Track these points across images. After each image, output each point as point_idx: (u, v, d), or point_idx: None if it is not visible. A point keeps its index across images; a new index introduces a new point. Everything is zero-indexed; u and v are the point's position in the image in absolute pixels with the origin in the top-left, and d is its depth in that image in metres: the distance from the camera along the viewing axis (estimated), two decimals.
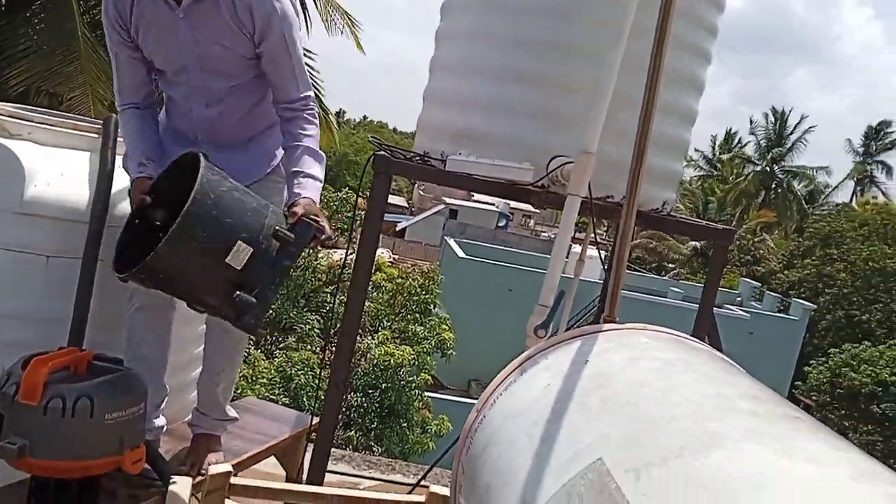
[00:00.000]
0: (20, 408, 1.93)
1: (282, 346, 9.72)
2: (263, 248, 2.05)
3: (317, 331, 9.83)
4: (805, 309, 23.28)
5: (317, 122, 2.42)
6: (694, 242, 29.78)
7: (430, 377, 9.97)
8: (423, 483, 3.10)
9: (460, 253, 22.61)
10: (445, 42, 3.39)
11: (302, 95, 2.38)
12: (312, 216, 2.16)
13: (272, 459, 3.11)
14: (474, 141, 2.98)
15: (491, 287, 20.18)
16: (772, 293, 25.74)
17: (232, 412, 2.76)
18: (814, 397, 21.19)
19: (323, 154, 2.38)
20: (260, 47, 2.30)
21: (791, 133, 40.15)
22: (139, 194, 2.23)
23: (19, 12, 7.52)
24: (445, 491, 2.15)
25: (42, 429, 1.94)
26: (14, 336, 2.25)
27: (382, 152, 3.12)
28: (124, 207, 2.41)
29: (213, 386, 2.67)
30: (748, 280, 27.40)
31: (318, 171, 2.33)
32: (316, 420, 3.19)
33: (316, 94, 9.02)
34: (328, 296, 10.23)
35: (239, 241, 2.01)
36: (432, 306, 10.46)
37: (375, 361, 8.89)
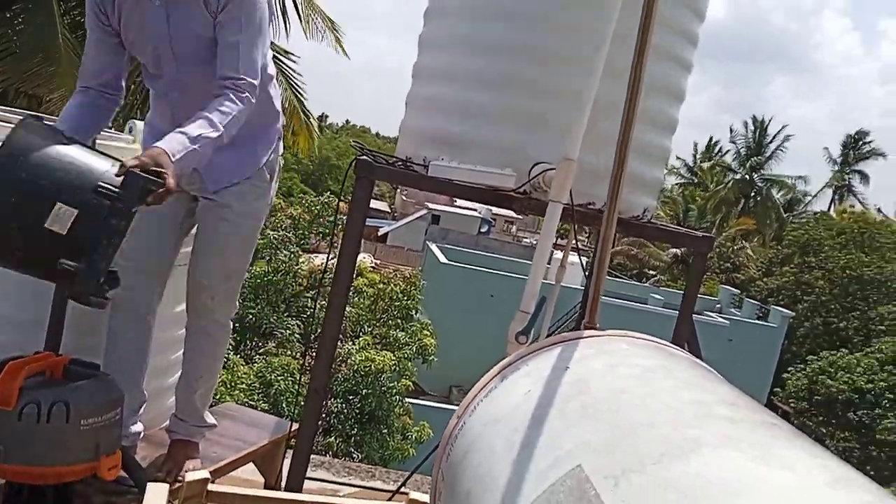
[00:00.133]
0: None
1: (262, 351, 9.67)
2: (93, 209, 1.88)
3: (297, 336, 9.80)
4: (783, 316, 23.52)
5: (242, 106, 2.23)
6: (674, 249, 29.98)
7: (411, 383, 9.96)
8: (403, 490, 3.09)
9: (442, 258, 22.61)
10: (428, 47, 3.39)
11: (240, 76, 2.24)
12: (153, 168, 1.94)
13: (251, 466, 3.08)
14: (457, 146, 2.98)
15: (473, 292, 20.19)
16: (751, 300, 25.98)
17: (210, 419, 2.74)
18: (792, 404, 21.39)
19: (221, 128, 2.15)
20: (217, 18, 2.24)
21: (770, 142, 40.59)
22: None
23: None
24: (425, 498, 2.14)
25: (16, 434, 1.91)
26: None
27: (365, 157, 3.11)
28: None
29: (191, 391, 2.64)
30: (727, 287, 27.63)
31: (195, 130, 2.11)
32: (295, 426, 3.17)
33: (298, 98, 9.02)
34: (309, 300, 10.19)
35: (59, 204, 1.86)
36: (414, 312, 10.46)
37: (356, 367, 8.87)
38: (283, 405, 8.18)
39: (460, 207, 36.33)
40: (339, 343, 7.59)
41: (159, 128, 2.42)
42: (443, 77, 3.21)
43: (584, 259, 3.49)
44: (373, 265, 17.61)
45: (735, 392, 1.24)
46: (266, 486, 3.12)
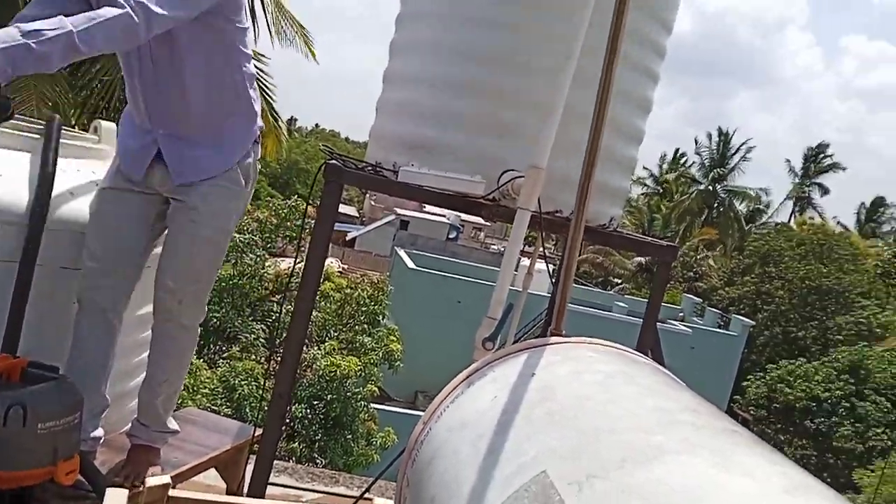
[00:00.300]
0: None
1: (225, 355, 9.54)
2: None
3: (262, 340, 9.69)
4: (744, 325, 23.93)
5: (118, 14, 1.99)
6: (639, 258, 30.36)
7: (376, 388, 9.91)
8: (367, 496, 3.07)
9: (410, 264, 22.59)
10: (399, 53, 3.40)
11: None
12: None
13: (213, 471, 3.05)
14: (426, 152, 2.99)
15: (440, 298, 20.21)
16: (713, 309, 26.40)
17: (173, 424, 2.69)
18: (751, 411, 21.77)
19: (69, 27, 1.93)
20: None
21: (734, 154, 41.31)
22: None
23: None
24: (390, 503, 2.13)
25: None
26: None
27: (334, 161, 3.10)
28: (65, 210, 2.34)
29: (154, 396, 2.59)
30: (690, 296, 28.04)
31: (33, 25, 1.90)
32: (259, 431, 3.14)
33: (267, 100, 8.95)
34: (275, 305, 10.09)
35: None
36: (381, 317, 10.41)
37: (321, 372, 8.80)
38: (247, 410, 8.08)
39: (429, 213, 36.36)
40: (304, 348, 7.54)
41: (134, 125, 2.47)
42: (414, 83, 3.22)
43: (551, 266, 3.52)
44: (340, 270, 17.52)
45: (697, 399, 1.26)
46: (228, 492, 3.09)
